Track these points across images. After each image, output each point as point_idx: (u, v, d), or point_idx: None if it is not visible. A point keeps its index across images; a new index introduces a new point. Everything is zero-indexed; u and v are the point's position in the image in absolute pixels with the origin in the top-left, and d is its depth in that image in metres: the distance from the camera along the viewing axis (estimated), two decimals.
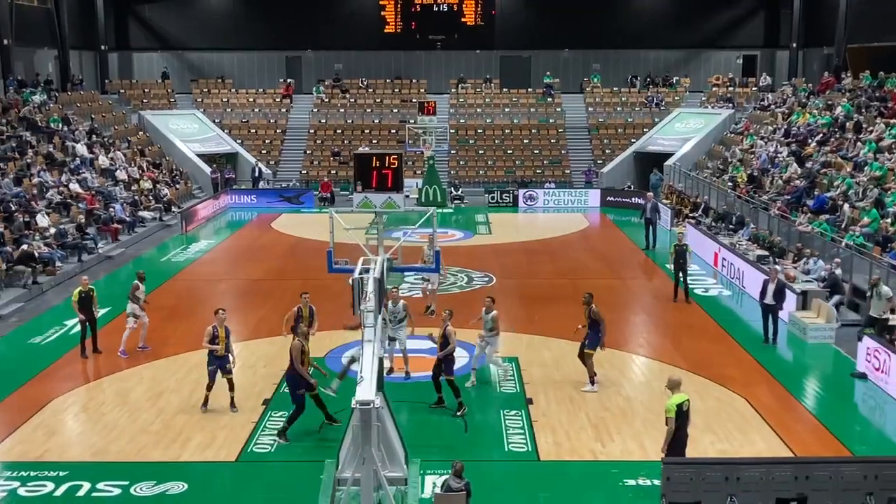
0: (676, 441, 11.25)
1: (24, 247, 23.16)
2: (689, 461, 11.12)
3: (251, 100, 46.28)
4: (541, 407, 14.68)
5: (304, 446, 13.26)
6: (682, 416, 11.27)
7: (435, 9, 47.28)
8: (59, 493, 11.78)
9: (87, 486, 11.91)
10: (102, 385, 15.88)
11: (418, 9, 47.22)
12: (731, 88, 44.56)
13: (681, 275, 21.50)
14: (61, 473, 12.26)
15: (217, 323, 14.29)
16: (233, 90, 47.03)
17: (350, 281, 10.87)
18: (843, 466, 10.74)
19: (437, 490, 10.79)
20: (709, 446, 13.01)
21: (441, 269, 20.15)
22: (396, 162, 12.10)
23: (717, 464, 11.09)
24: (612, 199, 37.14)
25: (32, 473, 12.27)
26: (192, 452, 13.02)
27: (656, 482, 11.78)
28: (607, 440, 13.41)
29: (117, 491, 11.81)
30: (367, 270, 10.82)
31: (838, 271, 20.30)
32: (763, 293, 18.46)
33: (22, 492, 11.75)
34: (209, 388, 14.43)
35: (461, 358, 15.85)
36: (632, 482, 12.03)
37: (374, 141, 43.37)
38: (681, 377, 11.75)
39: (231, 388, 14.52)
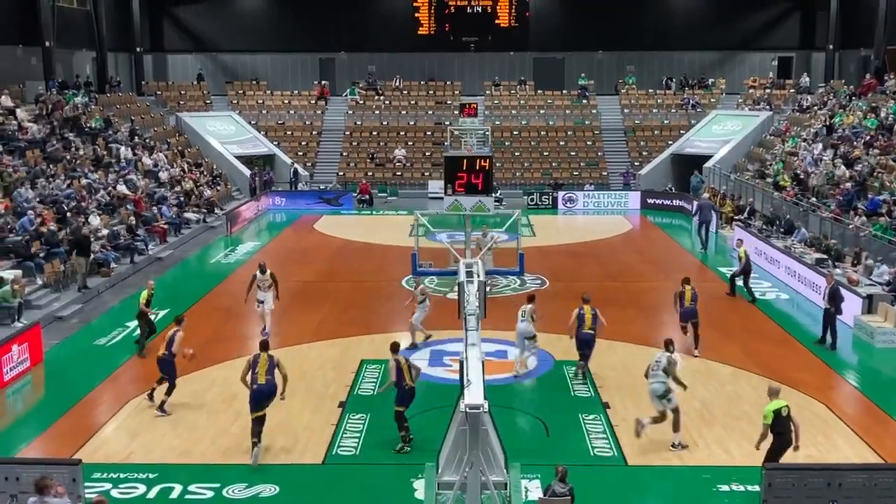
0: (777, 446, 11.18)
1: (84, 230, 23.40)
2: (791, 467, 11.05)
3: (286, 101, 46.32)
4: (619, 411, 14.60)
5: (389, 450, 13.23)
6: (780, 421, 11.21)
7: (469, 10, 47.17)
8: (151, 494, 11.81)
9: (178, 488, 11.94)
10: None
11: (452, 10, 47.13)
12: (768, 90, 44.25)
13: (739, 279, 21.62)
14: (150, 475, 12.29)
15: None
16: (267, 92, 47.10)
17: (455, 285, 10.84)
18: None
19: (541, 495, 10.74)
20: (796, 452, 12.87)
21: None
22: (487, 165, 12.08)
23: (819, 469, 11.03)
24: (652, 201, 36.89)
25: (122, 475, 12.29)
26: (277, 454, 13.02)
27: (749, 488, 11.75)
28: (692, 445, 13.30)
29: (210, 493, 11.83)
30: (469, 274, 10.77)
31: None
32: None
33: (115, 493, 11.74)
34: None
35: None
36: (725, 488, 11.93)
37: (409, 143, 43.42)
38: (780, 386, 11.71)
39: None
